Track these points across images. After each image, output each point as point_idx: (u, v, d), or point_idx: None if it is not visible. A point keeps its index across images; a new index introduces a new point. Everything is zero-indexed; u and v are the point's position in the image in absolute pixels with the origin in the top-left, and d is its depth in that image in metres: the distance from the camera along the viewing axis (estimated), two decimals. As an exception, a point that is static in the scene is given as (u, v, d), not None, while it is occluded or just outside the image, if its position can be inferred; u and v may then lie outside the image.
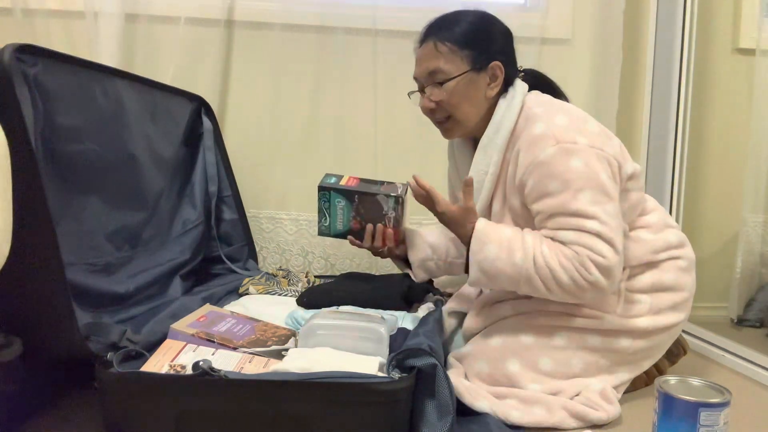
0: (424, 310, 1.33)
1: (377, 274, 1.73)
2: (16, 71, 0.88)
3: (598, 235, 1.03)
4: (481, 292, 1.30)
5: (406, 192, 1.29)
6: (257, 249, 1.82)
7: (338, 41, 1.82)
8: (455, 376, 1.10)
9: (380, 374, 0.93)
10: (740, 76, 1.75)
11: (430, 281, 1.50)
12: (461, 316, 1.31)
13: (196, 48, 1.77)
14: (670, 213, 1.71)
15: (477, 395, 1.06)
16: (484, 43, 1.18)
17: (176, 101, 1.56)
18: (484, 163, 1.18)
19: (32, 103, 0.93)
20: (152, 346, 1.02)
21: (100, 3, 1.68)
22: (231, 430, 0.89)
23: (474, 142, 1.25)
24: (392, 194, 1.27)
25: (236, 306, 1.36)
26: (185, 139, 1.59)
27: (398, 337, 1.13)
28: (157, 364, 0.95)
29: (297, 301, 1.40)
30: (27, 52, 0.92)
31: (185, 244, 1.51)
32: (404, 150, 1.85)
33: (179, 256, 1.46)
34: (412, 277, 1.36)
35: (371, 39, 1.81)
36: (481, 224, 1.12)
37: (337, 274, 1.74)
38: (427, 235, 1.36)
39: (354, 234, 1.31)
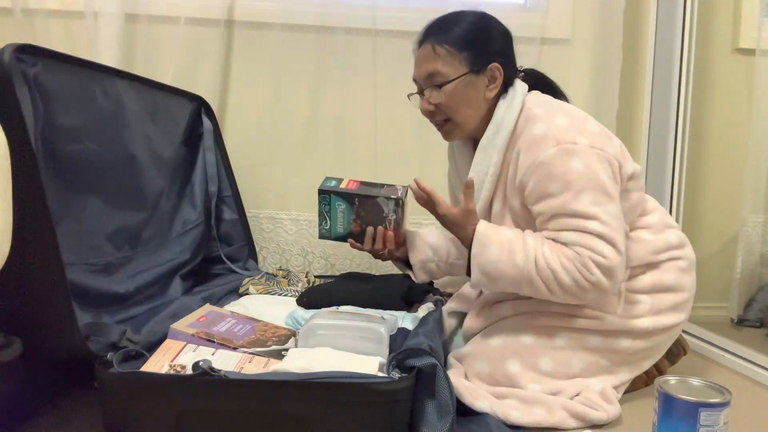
0: (424, 310, 1.33)
1: (377, 274, 1.73)
2: (16, 71, 0.88)
3: (600, 236, 1.03)
4: (481, 292, 1.30)
5: (406, 194, 1.29)
6: (257, 249, 1.82)
7: (338, 41, 1.82)
8: (455, 376, 1.10)
9: (380, 374, 0.93)
10: (740, 76, 1.75)
11: (431, 282, 1.50)
12: (461, 316, 1.31)
13: (196, 48, 1.77)
14: (670, 213, 1.71)
15: (477, 395, 1.06)
16: (482, 45, 1.18)
17: (176, 101, 1.56)
18: (484, 164, 1.18)
19: (32, 103, 0.93)
20: (152, 346, 1.02)
21: (100, 3, 1.68)
22: (231, 430, 0.89)
23: (474, 142, 1.24)
24: (392, 196, 1.27)
25: (236, 306, 1.36)
26: (185, 139, 1.59)
27: (398, 337, 1.13)
28: (157, 364, 0.95)
29: (297, 301, 1.40)
30: (27, 52, 0.92)
31: (185, 244, 1.51)
32: (404, 150, 1.85)
33: (179, 256, 1.46)
34: (413, 279, 1.36)
35: (371, 39, 1.81)
36: (482, 226, 1.12)
37: (337, 274, 1.74)
38: (428, 237, 1.36)
39: (355, 237, 1.31)
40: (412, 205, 1.29)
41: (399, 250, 1.33)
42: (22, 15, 1.69)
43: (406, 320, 1.24)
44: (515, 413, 1.03)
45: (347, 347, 1.02)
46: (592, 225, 1.03)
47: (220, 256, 1.68)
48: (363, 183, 1.32)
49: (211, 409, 0.88)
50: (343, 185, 1.31)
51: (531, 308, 1.15)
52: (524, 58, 1.29)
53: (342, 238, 1.33)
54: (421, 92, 1.21)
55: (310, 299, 1.37)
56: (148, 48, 1.76)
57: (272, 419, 0.88)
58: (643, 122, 1.84)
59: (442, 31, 1.17)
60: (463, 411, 1.02)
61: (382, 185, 1.31)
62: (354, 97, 1.84)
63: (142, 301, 1.23)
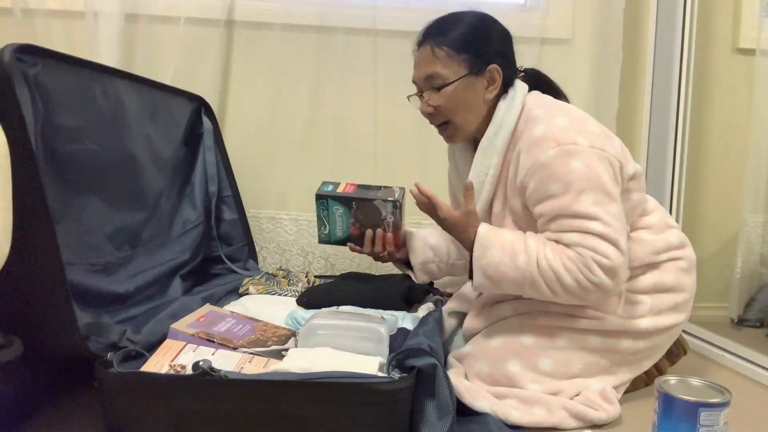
0: (424, 310, 1.33)
1: (377, 274, 1.73)
2: (16, 71, 0.88)
3: (602, 237, 1.03)
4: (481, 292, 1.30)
5: (403, 196, 1.29)
6: (257, 249, 1.82)
7: (338, 41, 1.82)
8: (455, 376, 1.10)
9: (380, 374, 0.93)
10: (740, 76, 1.75)
11: (431, 282, 1.50)
12: (461, 316, 1.31)
13: (196, 48, 1.77)
14: (670, 213, 1.71)
15: (477, 395, 1.06)
16: (481, 46, 1.17)
17: (176, 101, 1.56)
18: (484, 165, 1.18)
19: (32, 103, 0.93)
20: (152, 346, 1.02)
21: (100, 3, 1.68)
22: (231, 430, 0.89)
23: (474, 143, 1.24)
24: (390, 199, 1.27)
25: (236, 306, 1.36)
26: (185, 139, 1.59)
27: (398, 337, 1.12)
28: (157, 364, 0.95)
29: (297, 301, 1.40)
30: (27, 52, 0.92)
31: (185, 244, 1.51)
32: (404, 150, 1.85)
33: (179, 256, 1.46)
34: (414, 279, 1.36)
35: (371, 39, 1.81)
36: (483, 229, 1.12)
37: (337, 274, 1.74)
38: (428, 237, 1.36)
39: (354, 240, 1.31)
40: (411, 205, 1.29)
41: (399, 251, 1.33)
42: (22, 15, 1.69)
43: (406, 320, 1.24)
44: (515, 413, 1.03)
45: (347, 347, 1.02)
46: (593, 226, 1.03)
47: (220, 256, 1.68)
48: (360, 186, 1.32)
49: (211, 409, 0.88)
50: (340, 189, 1.31)
51: (531, 308, 1.15)
52: (524, 59, 1.29)
53: (341, 242, 1.33)
54: (420, 94, 1.21)
55: (310, 299, 1.37)
56: (148, 48, 1.77)
57: (272, 419, 0.88)
58: (643, 122, 1.84)
59: (441, 33, 1.17)
60: (463, 411, 1.02)
61: (378, 188, 1.31)
62: (354, 97, 1.84)
63: (142, 301, 1.23)
